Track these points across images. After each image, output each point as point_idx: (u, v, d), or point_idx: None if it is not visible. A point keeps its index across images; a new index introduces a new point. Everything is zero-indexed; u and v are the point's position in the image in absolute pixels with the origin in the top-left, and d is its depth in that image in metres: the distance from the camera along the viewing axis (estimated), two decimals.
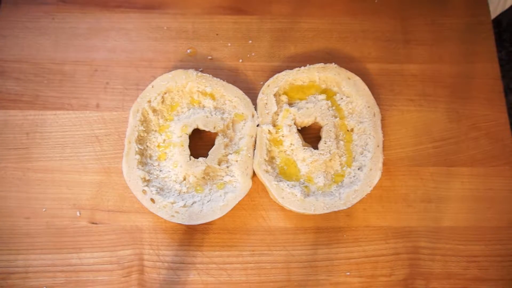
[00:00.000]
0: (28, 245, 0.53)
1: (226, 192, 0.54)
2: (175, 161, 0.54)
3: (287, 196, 0.52)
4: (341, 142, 0.56)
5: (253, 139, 0.56)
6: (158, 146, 0.56)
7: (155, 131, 0.57)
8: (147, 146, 0.56)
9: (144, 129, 0.56)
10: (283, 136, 0.56)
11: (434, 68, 0.63)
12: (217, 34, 0.64)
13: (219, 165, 0.55)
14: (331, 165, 0.55)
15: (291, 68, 0.59)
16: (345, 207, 0.52)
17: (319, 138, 0.57)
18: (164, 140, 0.56)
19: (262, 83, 0.60)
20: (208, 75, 0.58)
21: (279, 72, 0.58)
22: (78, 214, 0.55)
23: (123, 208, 0.55)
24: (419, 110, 0.61)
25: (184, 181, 0.54)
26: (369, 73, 0.62)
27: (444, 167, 0.58)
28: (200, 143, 0.57)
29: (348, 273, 0.53)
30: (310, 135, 0.58)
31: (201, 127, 0.56)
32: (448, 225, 0.55)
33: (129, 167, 0.53)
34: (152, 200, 0.52)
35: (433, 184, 0.57)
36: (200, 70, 0.61)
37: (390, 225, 0.55)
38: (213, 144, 0.56)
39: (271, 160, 0.55)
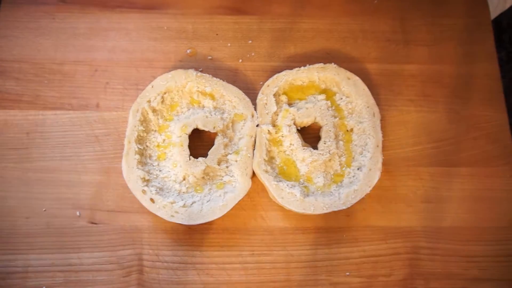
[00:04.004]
0: (27, 245, 0.53)
1: (226, 192, 0.54)
2: (175, 161, 0.54)
3: (287, 196, 0.52)
4: (341, 142, 0.56)
5: (253, 139, 0.56)
6: (158, 146, 0.56)
7: (155, 131, 0.57)
8: (146, 146, 0.56)
9: (144, 129, 0.56)
10: (282, 136, 0.56)
11: (434, 68, 0.63)
12: (217, 34, 0.64)
13: (218, 165, 0.55)
14: (331, 165, 0.55)
15: (291, 68, 0.59)
16: (344, 207, 0.52)
17: (318, 138, 0.57)
18: (164, 140, 0.56)
19: (261, 83, 0.60)
20: (207, 75, 0.58)
21: (278, 72, 0.58)
22: (78, 214, 0.55)
23: (123, 208, 0.55)
24: (418, 110, 0.61)
25: (184, 181, 0.54)
26: (369, 73, 0.62)
27: (444, 167, 0.58)
28: (199, 143, 0.57)
29: (348, 273, 0.53)
30: (310, 135, 0.58)
31: (201, 127, 0.56)
32: (448, 225, 0.55)
33: (128, 167, 0.53)
34: (152, 200, 0.52)
35: (433, 184, 0.57)
36: (200, 70, 0.61)
37: (390, 225, 0.55)
38: (212, 144, 0.56)
39: (270, 160, 0.55)
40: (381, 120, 0.57)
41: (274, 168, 0.55)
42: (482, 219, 0.56)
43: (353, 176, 0.55)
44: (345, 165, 0.56)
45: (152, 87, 0.57)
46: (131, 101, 0.58)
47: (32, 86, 0.60)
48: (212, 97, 0.58)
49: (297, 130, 0.56)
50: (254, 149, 0.55)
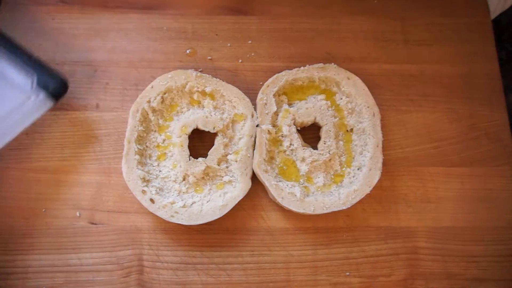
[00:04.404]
0: (27, 245, 0.53)
1: (226, 192, 0.54)
2: (175, 161, 0.54)
3: (287, 196, 0.52)
4: (341, 142, 0.56)
5: (253, 139, 0.56)
6: (158, 146, 0.56)
7: (155, 131, 0.57)
8: (146, 146, 0.56)
9: (144, 129, 0.56)
10: (282, 136, 0.56)
11: (434, 68, 0.63)
12: (216, 35, 0.64)
13: (218, 165, 0.55)
14: (331, 165, 0.55)
15: (291, 68, 0.59)
16: (344, 207, 0.52)
17: (318, 138, 0.57)
18: (164, 140, 0.56)
19: (261, 83, 0.60)
20: (207, 75, 0.58)
21: (278, 72, 0.58)
22: (77, 214, 0.55)
23: (123, 209, 0.55)
24: (418, 110, 0.61)
25: (184, 181, 0.54)
26: (369, 73, 0.62)
27: (444, 167, 0.58)
28: (199, 143, 0.57)
29: (348, 273, 0.53)
30: (310, 135, 0.58)
31: (201, 127, 0.56)
32: (447, 225, 0.55)
33: (128, 167, 0.53)
34: (152, 200, 0.52)
35: (433, 184, 0.57)
36: (199, 70, 0.61)
37: (390, 225, 0.55)
38: (212, 144, 0.56)
39: (270, 160, 0.55)
40: (381, 120, 0.57)
41: (274, 168, 0.55)
42: (482, 219, 0.56)
43: (353, 176, 0.55)
44: (345, 165, 0.56)
45: (152, 87, 0.57)
46: (130, 101, 0.58)
47: None
48: (212, 97, 0.58)
49: (297, 130, 0.56)
50: (254, 149, 0.55)
